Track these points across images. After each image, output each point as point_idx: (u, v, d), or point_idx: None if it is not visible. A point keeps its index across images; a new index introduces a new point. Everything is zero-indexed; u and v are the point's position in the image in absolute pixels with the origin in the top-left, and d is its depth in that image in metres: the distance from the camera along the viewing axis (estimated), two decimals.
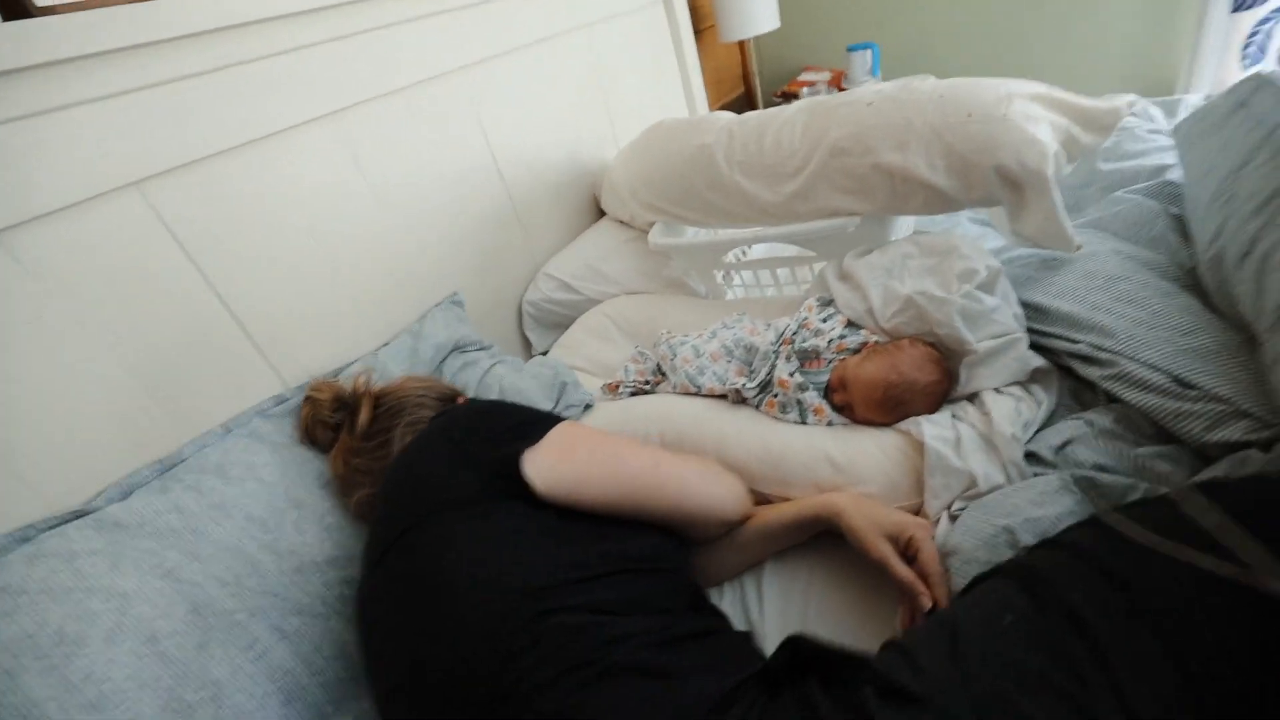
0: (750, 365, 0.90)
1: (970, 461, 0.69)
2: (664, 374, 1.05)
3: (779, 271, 1.15)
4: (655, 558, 0.67)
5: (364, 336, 1.12)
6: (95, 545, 0.72)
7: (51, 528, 0.75)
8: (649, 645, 0.54)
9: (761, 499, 0.82)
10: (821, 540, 0.78)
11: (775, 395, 0.84)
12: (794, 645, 0.52)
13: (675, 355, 0.97)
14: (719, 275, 1.21)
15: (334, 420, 0.90)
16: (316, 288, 1.04)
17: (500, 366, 1.13)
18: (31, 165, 0.73)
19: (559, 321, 1.39)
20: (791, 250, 1.23)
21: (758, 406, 0.87)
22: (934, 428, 0.73)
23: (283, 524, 0.83)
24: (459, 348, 1.19)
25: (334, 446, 0.89)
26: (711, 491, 0.74)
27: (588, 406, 1.03)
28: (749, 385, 0.86)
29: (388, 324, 1.17)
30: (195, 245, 0.89)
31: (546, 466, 0.64)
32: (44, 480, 0.76)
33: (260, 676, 0.70)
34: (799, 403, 0.82)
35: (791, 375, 0.82)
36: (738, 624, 0.77)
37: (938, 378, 0.78)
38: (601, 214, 1.63)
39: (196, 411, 0.91)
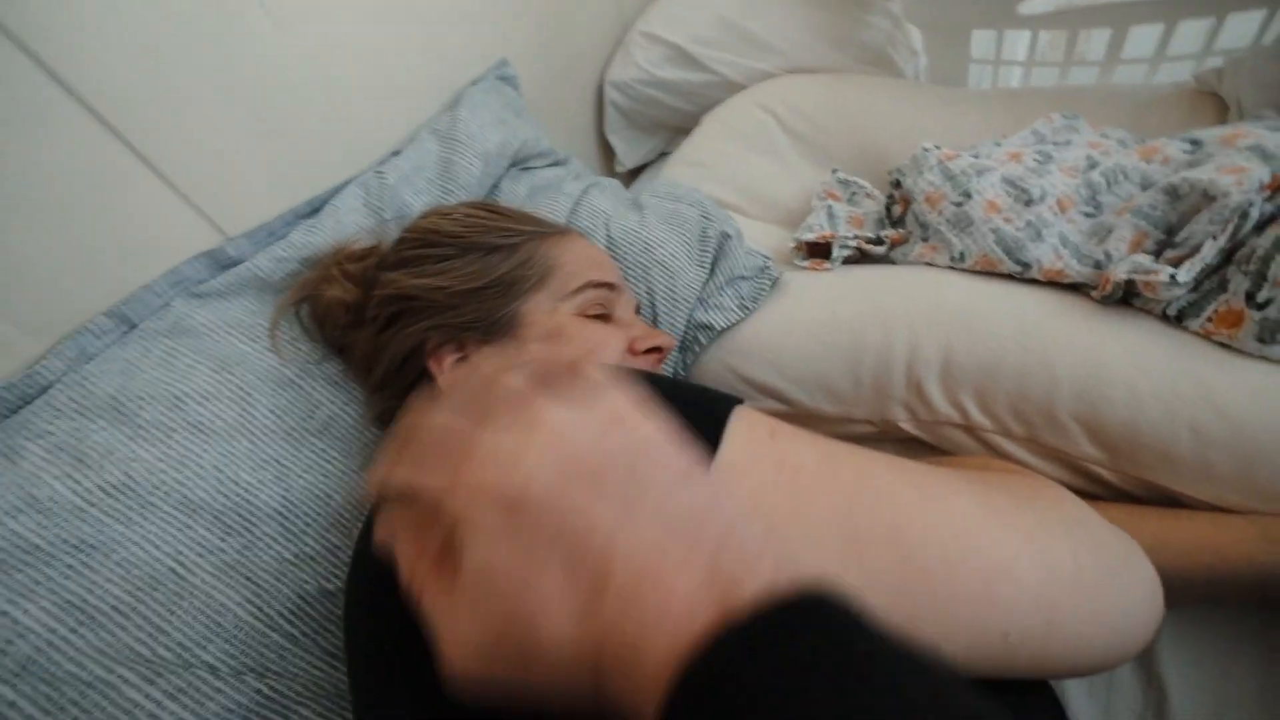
0: (1171, 230, 0.44)
1: None
2: (904, 222, 0.59)
3: (1134, 32, 0.61)
4: None
5: (355, 140, 0.63)
6: None
7: None
8: None
9: (1167, 500, 0.43)
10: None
11: (1261, 302, 0.40)
12: None
13: (969, 196, 0.50)
14: (983, 40, 0.68)
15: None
16: (261, 54, 0.54)
17: (598, 195, 0.66)
18: None
19: (665, 119, 0.88)
20: None
21: (1178, 319, 0.43)
22: None
23: (255, 520, 0.44)
24: (520, 161, 0.71)
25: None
26: (1120, 634, 0.30)
27: (774, 281, 0.58)
28: (1181, 276, 0.41)
29: (395, 116, 0.67)
30: None
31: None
32: None
33: None
34: None
35: None
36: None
37: None
38: None
39: (61, 289, 0.47)
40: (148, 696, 0.37)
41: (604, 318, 0.48)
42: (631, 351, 0.47)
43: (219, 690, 0.39)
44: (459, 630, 0.20)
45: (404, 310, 0.45)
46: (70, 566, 0.39)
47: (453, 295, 0.45)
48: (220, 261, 0.53)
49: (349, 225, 0.57)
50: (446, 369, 0.44)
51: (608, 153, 0.94)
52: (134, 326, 0.49)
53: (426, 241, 0.48)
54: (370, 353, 0.46)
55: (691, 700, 0.16)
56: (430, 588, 0.21)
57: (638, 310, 0.55)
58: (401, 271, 0.47)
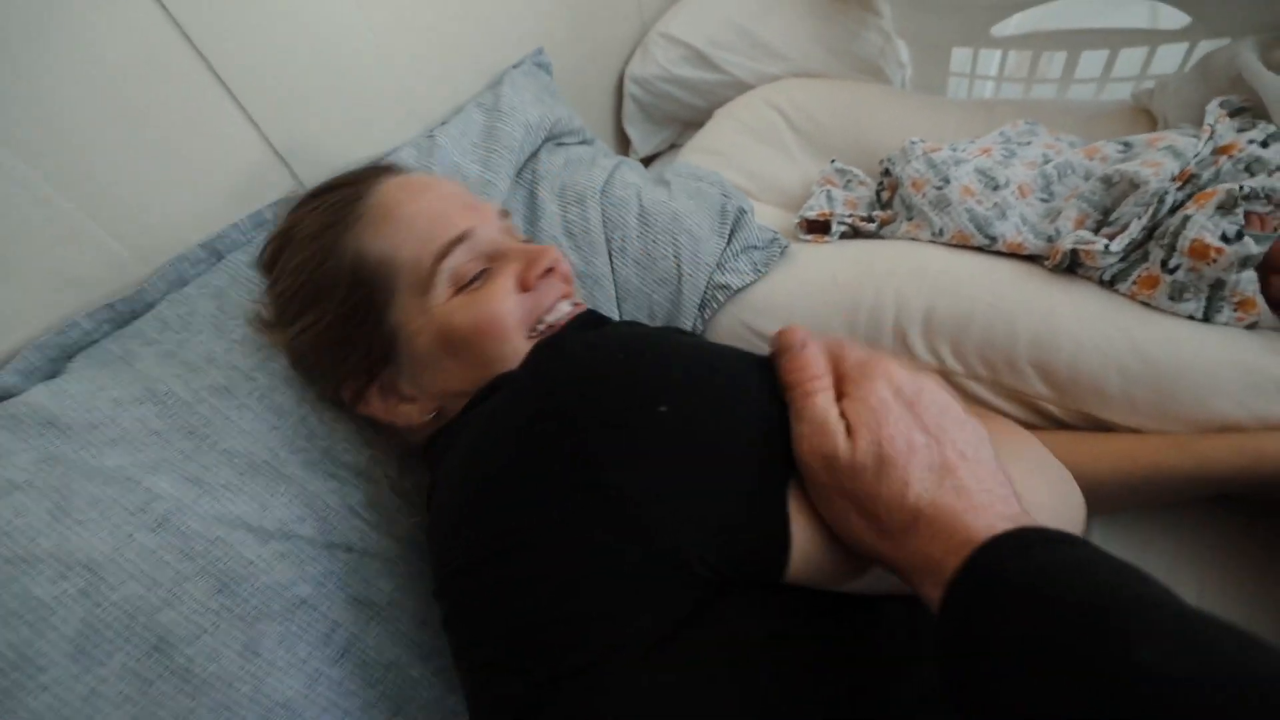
0: (1106, 212, 0.55)
1: None
2: (892, 205, 0.69)
3: (1086, 56, 0.73)
4: None
5: (410, 110, 0.70)
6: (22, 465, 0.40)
7: None
8: None
9: (1101, 427, 0.53)
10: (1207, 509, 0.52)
11: (1171, 268, 0.50)
12: None
13: (948, 182, 0.60)
14: (961, 57, 0.79)
15: None
16: (343, 22, 0.61)
17: (629, 171, 0.74)
18: None
19: (678, 113, 0.96)
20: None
21: (1110, 283, 0.54)
22: None
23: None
24: (555, 137, 0.78)
25: None
26: None
27: (782, 250, 0.67)
28: (1113, 246, 0.52)
29: (444, 91, 0.74)
30: None
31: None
32: None
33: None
34: (1216, 286, 0.49)
35: (1232, 241, 0.48)
36: None
37: None
38: None
39: (163, 220, 0.53)
40: (260, 556, 0.43)
41: (484, 273, 0.43)
42: (525, 288, 0.43)
43: (316, 557, 0.45)
44: (822, 434, 0.30)
45: (306, 369, 0.49)
46: (185, 450, 0.45)
47: (326, 346, 0.45)
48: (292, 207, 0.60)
49: None
50: (375, 405, 0.46)
51: (623, 142, 1.03)
52: (221, 258, 0.56)
53: (285, 292, 0.46)
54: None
55: (997, 559, 0.25)
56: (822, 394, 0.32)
57: (506, 214, 0.49)
58: (280, 332, 0.48)
